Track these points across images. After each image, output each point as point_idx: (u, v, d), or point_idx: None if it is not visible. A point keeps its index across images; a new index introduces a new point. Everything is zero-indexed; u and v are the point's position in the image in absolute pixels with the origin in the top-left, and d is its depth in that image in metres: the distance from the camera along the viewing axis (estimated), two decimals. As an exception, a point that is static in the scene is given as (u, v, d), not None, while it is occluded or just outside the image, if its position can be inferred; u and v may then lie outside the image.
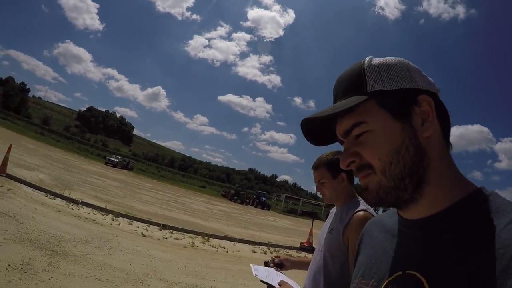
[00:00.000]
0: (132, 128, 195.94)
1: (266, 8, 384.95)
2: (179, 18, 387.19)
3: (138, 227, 9.78)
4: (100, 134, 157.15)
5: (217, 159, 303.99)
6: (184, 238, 10.10)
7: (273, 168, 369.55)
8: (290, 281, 1.80)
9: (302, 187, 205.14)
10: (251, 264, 1.79)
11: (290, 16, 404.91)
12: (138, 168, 64.17)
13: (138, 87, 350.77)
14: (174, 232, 10.64)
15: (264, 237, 15.41)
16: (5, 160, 10.95)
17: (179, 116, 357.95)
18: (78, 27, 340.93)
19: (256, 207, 50.29)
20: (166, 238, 9.39)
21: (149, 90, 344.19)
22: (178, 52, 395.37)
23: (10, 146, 12.06)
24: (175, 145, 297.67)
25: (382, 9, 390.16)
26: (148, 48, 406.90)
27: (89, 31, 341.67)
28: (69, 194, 10.72)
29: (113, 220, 9.58)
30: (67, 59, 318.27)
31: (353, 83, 0.70)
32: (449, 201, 0.64)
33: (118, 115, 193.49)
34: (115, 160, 51.53)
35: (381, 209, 0.95)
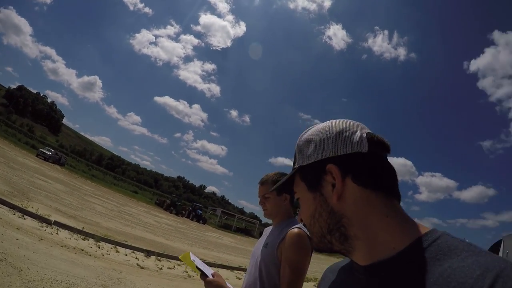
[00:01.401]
0: (62, 116, 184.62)
1: (220, 16, 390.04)
2: (131, 8, 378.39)
3: (126, 255, 9.65)
4: (27, 117, 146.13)
5: (145, 161, 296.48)
6: (174, 267, 10.18)
7: (201, 178, 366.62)
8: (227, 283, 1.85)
9: (229, 200, 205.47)
10: (190, 252, 1.82)
11: (241, 29, 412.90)
12: (68, 164, 60.10)
13: (75, 73, 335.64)
14: (161, 259, 10.79)
15: (229, 259, 15.95)
16: None
17: (112, 111, 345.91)
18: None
19: (191, 219, 49.61)
20: (162, 269, 9.42)
21: (85, 78, 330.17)
22: (123, 44, 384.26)
23: None
24: (103, 141, 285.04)
25: (330, 38, 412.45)
26: (93, 33, 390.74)
27: (36, 1, 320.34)
28: (37, 210, 10.09)
29: (98, 247, 9.25)
30: (6, 28, 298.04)
31: (294, 157, 0.86)
32: (394, 249, 0.67)
33: (49, 100, 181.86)
34: (48, 153, 48.21)
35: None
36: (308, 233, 1.70)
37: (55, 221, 9.80)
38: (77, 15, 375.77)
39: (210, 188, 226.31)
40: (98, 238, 9.99)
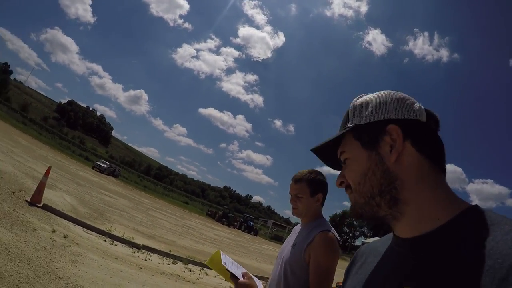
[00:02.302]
0: (111, 129, 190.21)
1: (258, 28, 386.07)
2: (171, 24, 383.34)
3: (215, 277, 9.12)
4: (78, 130, 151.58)
5: (191, 171, 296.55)
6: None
7: (246, 188, 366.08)
8: (255, 279, 1.75)
9: (275, 210, 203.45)
10: (221, 252, 1.68)
11: (280, 39, 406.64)
12: (122, 175, 61.21)
13: (121, 87, 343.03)
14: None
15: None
16: (42, 186, 8.61)
17: (158, 123, 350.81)
18: (69, 16, 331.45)
19: (243, 231, 48.92)
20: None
21: (131, 92, 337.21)
22: (166, 59, 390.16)
23: (49, 169, 9.50)
24: (150, 151, 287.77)
25: (370, 44, 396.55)
26: (136, 49, 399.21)
27: (80, 22, 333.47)
28: (123, 235, 9.34)
29: (190, 271, 8.93)
30: (53, 47, 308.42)
31: (344, 119, 0.86)
32: (442, 219, 0.68)
33: (98, 114, 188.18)
34: (103, 166, 49.64)
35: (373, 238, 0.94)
36: (337, 236, 1.86)
37: (143, 245, 9.28)
38: (120, 33, 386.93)
39: (256, 198, 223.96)
40: (185, 261, 9.66)
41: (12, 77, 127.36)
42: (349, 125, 0.82)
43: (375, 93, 0.83)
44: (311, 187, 1.98)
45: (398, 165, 0.73)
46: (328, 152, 0.89)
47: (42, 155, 26.56)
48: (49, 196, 9.86)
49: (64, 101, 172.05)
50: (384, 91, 0.82)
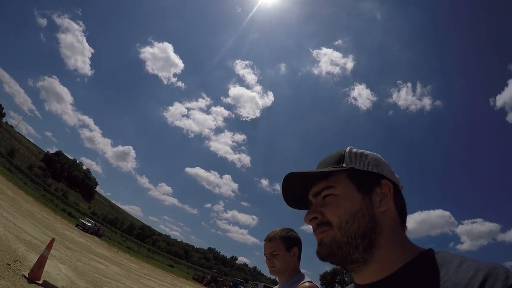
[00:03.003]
0: (96, 184, 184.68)
1: (248, 87, 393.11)
2: (165, 82, 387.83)
3: None
4: (62, 182, 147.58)
5: (175, 232, 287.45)
6: None
7: (231, 249, 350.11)
8: None
9: (261, 271, 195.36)
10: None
11: (269, 99, 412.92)
12: (105, 235, 58.56)
13: (110, 142, 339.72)
14: None
15: None
16: (43, 260, 7.44)
17: (144, 181, 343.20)
18: (68, 66, 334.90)
19: (234, 296, 46.81)
20: None
21: (120, 148, 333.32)
22: (157, 116, 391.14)
23: (52, 241, 8.21)
24: (133, 210, 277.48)
25: (355, 99, 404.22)
26: (129, 105, 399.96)
27: (78, 73, 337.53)
28: None
29: None
30: (49, 95, 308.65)
31: (334, 160, 0.88)
32: (400, 263, 0.77)
33: (84, 167, 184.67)
34: (88, 224, 47.72)
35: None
36: (317, 286, 1.84)
37: None
38: (115, 88, 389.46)
39: (241, 259, 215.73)
40: None
41: (3, 120, 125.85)
42: (344, 165, 0.85)
43: (367, 151, 0.91)
44: (285, 243, 2.02)
45: (383, 216, 0.81)
46: (296, 186, 0.92)
47: (28, 210, 25.12)
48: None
49: (51, 150, 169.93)
50: (372, 152, 0.91)
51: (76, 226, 45.61)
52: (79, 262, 13.71)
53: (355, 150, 0.89)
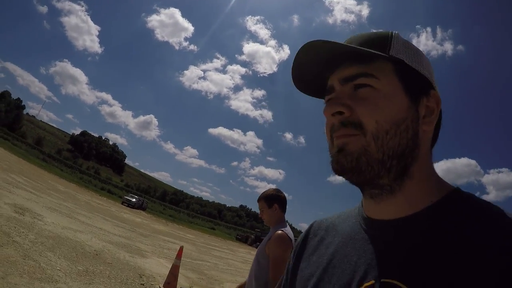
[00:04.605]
0: (125, 157, 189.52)
1: (262, 43, 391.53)
2: (177, 47, 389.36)
3: None
4: (92, 160, 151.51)
5: (205, 193, 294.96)
6: None
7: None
8: None
9: (292, 224, 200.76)
10: None
11: (285, 52, 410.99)
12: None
13: (131, 114, 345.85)
14: None
15: None
16: (176, 270, 7.24)
17: (169, 147, 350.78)
18: (77, 48, 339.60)
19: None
20: None
21: (141, 118, 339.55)
22: (173, 82, 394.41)
23: (181, 249, 7.92)
24: (163, 176, 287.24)
25: None
26: (144, 75, 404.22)
27: (88, 53, 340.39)
28: None
29: None
30: (63, 79, 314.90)
31: (378, 41, 0.64)
32: (428, 201, 0.61)
33: (111, 143, 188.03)
34: (132, 200, 49.81)
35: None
36: (291, 236, 2.43)
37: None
38: (127, 61, 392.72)
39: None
40: None
41: (24, 112, 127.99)
42: (392, 53, 0.62)
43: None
44: (267, 201, 2.60)
45: (424, 136, 0.63)
46: (314, 66, 0.68)
47: (85, 201, 26.24)
48: (149, 267, 9.10)
49: (76, 132, 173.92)
50: None
51: (122, 203, 47.58)
52: (166, 250, 14.18)
53: (405, 40, 0.67)
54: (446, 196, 0.60)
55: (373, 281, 0.56)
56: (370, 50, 0.60)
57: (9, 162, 28.04)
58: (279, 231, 2.40)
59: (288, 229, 2.45)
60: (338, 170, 0.63)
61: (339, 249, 0.68)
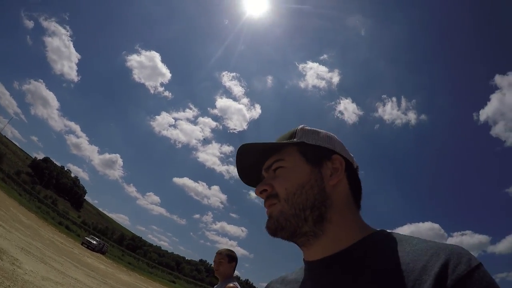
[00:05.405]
0: (85, 192, 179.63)
1: (235, 99, 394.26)
2: (152, 91, 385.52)
3: None
4: (50, 189, 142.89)
5: (163, 242, 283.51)
6: None
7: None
8: None
9: (253, 284, 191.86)
10: None
11: (256, 112, 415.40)
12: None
13: (97, 150, 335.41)
14: None
15: None
16: None
17: (131, 190, 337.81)
18: (54, 71, 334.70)
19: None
20: None
21: (107, 156, 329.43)
22: (144, 125, 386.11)
23: None
24: (121, 218, 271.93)
25: (342, 113, 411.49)
26: (116, 113, 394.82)
27: (64, 79, 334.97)
28: None
29: None
30: (34, 99, 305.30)
31: (288, 135, 0.87)
32: (353, 239, 0.75)
33: (72, 175, 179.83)
34: (94, 242, 47.12)
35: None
36: (238, 286, 2.80)
37: None
38: (102, 95, 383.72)
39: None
40: None
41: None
42: (295, 140, 0.84)
43: (323, 130, 0.89)
44: (229, 257, 3.10)
45: (333, 189, 0.79)
46: (251, 163, 0.90)
47: (51, 240, 24.05)
48: None
49: (39, 156, 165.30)
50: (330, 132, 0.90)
51: (82, 244, 44.92)
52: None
53: (308, 127, 0.87)
54: (369, 234, 0.75)
55: None
56: (277, 142, 0.84)
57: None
58: (231, 284, 2.79)
59: (237, 284, 2.82)
60: (269, 232, 0.81)
61: None
